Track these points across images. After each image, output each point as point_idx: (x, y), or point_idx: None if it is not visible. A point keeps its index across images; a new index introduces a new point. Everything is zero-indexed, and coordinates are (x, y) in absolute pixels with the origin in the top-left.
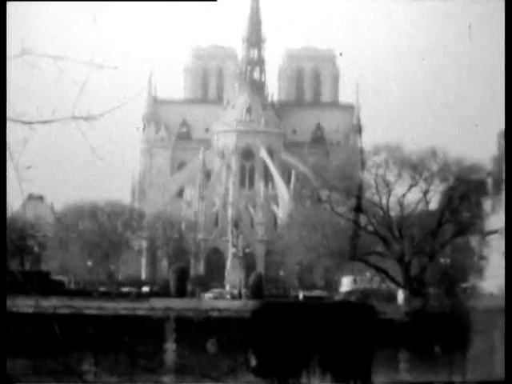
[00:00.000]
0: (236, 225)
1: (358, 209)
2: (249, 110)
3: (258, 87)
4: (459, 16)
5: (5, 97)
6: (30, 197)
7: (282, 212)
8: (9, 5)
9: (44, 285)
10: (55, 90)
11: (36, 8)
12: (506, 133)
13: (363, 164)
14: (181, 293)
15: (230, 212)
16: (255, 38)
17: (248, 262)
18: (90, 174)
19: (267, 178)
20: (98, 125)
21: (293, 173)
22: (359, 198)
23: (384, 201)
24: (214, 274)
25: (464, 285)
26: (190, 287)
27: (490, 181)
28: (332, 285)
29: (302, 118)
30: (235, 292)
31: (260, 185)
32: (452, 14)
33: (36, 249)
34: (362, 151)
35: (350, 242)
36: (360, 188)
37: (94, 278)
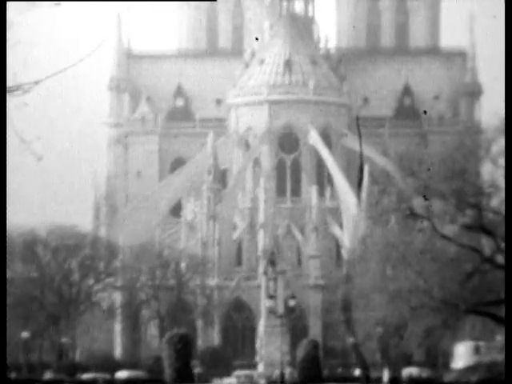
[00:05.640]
0: (272, 261)
1: (479, 227)
2: (288, 66)
3: (302, 27)
4: None
5: (5, 95)
6: None
7: (348, 236)
8: None
9: None
10: None
11: None
12: (506, 131)
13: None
14: (182, 378)
15: (261, 239)
16: None
17: (295, 323)
18: (24, 181)
19: (322, 179)
20: (36, 99)
21: (366, 169)
22: (479, 208)
23: None
24: (238, 346)
25: None
26: (197, 369)
27: None
28: (439, 357)
29: (379, 76)
30: (275, 374)
31: (311, 192)
32: None
33: None
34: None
35: (466, 284)
36: (480, 192)
37: (33, 358)
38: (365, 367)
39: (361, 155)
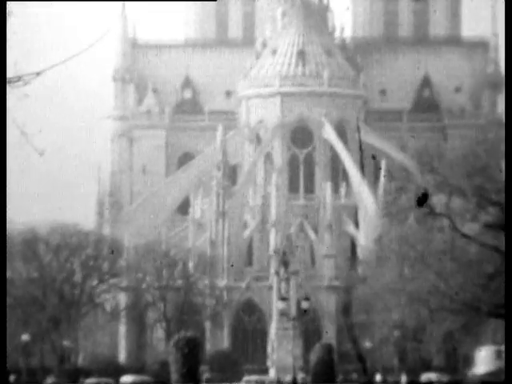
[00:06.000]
0: (285, 260)
1: (501, 226)
2: (301, 56)
3: (316, 15)
4: None
5: (5, 101)
6: None
7: (364, 235)
8: None
9: None
10: None
11: None
12: (506, 131)
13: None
14: (190, 383)
15: (273, 238)
16: None
17: (308, 327)
18: (24, 176)
19: (337, 175)
20: (37, 90)
21: (383, 165)
22: (501, 206)
23: None
24: (249, 350)
25: None
26: (205, 374)
27: None
28: (459, 362)
29: (397, 67)
30: (287, 379)
31: (325, 188)
32: None
33: None
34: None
35: (488, 286)
36: (503, 189)
37: (34, 362)
38: (365, 372)
39: (360, 146)
